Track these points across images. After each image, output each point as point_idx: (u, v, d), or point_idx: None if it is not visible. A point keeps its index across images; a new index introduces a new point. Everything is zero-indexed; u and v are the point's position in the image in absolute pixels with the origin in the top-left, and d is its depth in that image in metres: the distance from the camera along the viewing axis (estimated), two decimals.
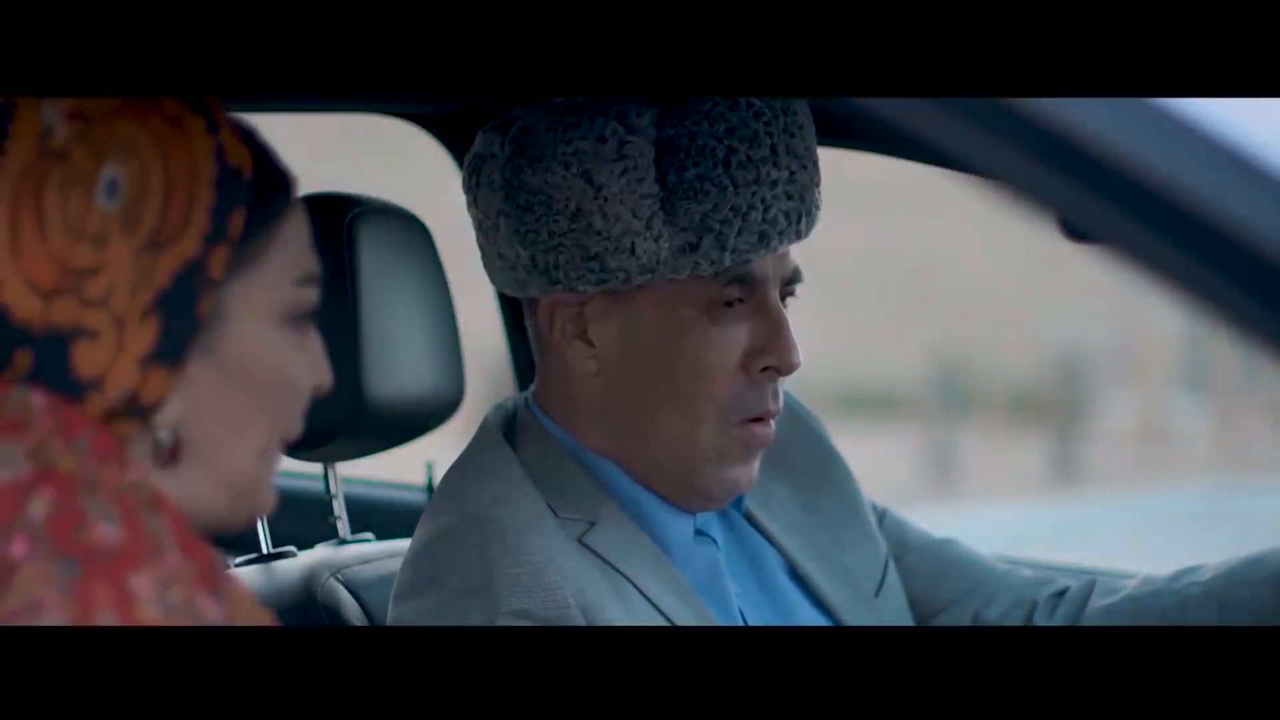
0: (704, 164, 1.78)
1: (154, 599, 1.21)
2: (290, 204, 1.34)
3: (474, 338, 2.44)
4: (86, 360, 1.27)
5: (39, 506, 1.22)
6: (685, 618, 1.79)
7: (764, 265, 1.81)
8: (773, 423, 1.84)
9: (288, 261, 1.33)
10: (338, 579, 2.03)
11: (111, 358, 1.27)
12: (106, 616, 1.19)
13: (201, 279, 1.29)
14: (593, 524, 1.81)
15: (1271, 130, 1.13)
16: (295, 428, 1.36)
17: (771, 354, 1.81)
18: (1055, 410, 15.72)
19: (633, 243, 1.78)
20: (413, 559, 1.81)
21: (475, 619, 1.72)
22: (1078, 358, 16.70)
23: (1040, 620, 1.97)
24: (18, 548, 1.20)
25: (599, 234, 1.78)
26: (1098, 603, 1.96)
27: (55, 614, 1.19)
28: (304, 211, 1.36)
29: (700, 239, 1.78)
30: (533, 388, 1.90)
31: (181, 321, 1.28)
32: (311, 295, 1.35)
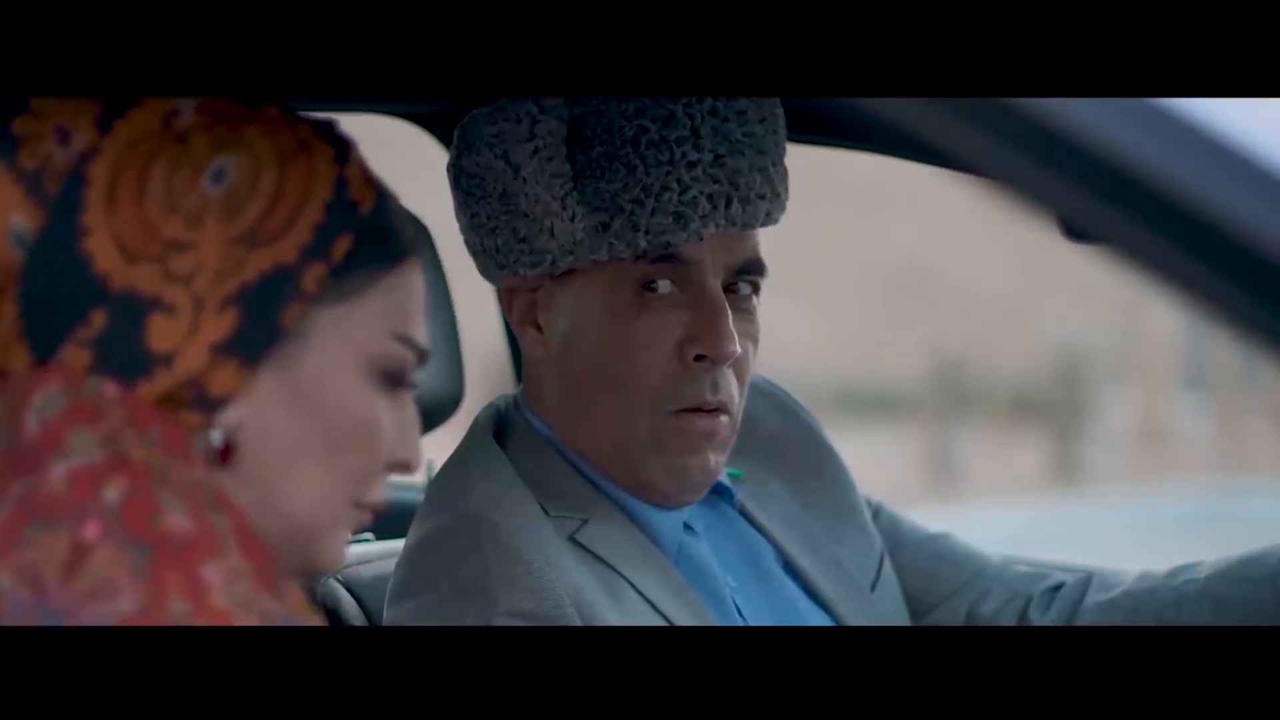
0: (611, 142, 1.76)
1: (224, 589, 1.22)
2: (406, 261, 1.35)
3: (474, 338, 2.44)
4: (160, 333, 1.28)
5: (112, 492, 1.23)
6: (681, 615, 1.78)
7: (697, 250, 1.78)
8: (723, 417, 1.80)
9: (388, 311, 1.34)
10: (337, 579, 2.03)
11: (185, 337, 1.28)
12: (178, 603, 1.20)
13: (291, 287, 1.29)
14: (585, 521, 1.80)
15: (1272, 130, 1.13)
16: (368, 491, 1.35)
17: (703, 342, 1.77)
18: (1055, 410, 15.73)
19: (551, 224, 1.77)
20: (406, 560, 1.81)
21: (471, 619, 1.72)
22: (1078, 358, 16.71)
23: (1035, 615, 1.97)
24: (90, 530, 1.21)
25: (525, 215, 1.79)
26: (1094, 598, 1.95)
27: (128, 597, 1.19)
28: (420, 282, 1.37)
29: (612, 219, 1.76)
30: (520, 386, 1.90)
31: (261, 322, 1.29)
32: (406, 356, 1.35)
